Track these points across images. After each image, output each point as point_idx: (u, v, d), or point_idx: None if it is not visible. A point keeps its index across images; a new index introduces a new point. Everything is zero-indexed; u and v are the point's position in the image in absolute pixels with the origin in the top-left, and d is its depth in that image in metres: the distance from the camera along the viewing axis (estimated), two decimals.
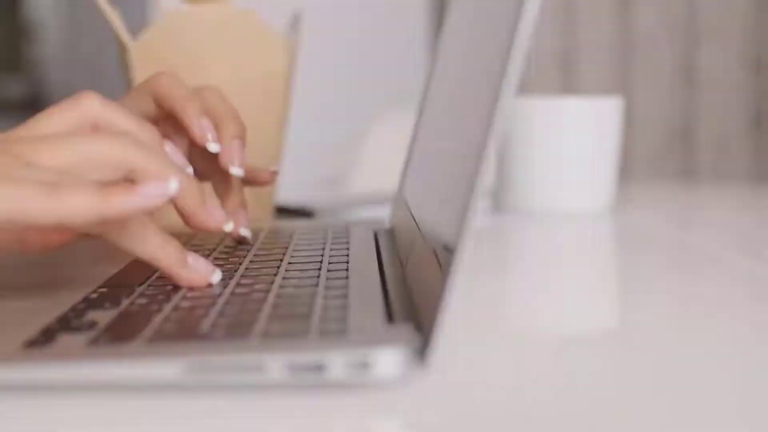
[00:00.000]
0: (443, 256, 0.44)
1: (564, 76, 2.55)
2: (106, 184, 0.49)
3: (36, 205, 0.47)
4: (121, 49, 0.88)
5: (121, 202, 0.48)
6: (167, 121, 0.69)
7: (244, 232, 0.68)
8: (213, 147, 0.65)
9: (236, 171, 0.66)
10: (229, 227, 0.59)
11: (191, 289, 0.53)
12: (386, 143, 1.76)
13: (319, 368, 0.40)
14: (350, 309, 0.47)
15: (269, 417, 0.38)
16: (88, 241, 0.78)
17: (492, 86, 0.43)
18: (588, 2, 2.55)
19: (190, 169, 0.63)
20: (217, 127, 0.67)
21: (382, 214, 0.97)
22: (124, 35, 0.86)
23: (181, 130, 0.69)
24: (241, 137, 0.67)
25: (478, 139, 0.43)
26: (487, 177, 0.39)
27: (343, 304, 0.48)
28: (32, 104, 4.19)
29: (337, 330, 0.43)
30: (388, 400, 0.39)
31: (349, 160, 1.78)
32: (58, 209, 0.47)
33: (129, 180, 0.53)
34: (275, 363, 0.40)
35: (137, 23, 2.51)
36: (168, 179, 0.50)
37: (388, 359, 0.40)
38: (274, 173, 0.70)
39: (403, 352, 0.40)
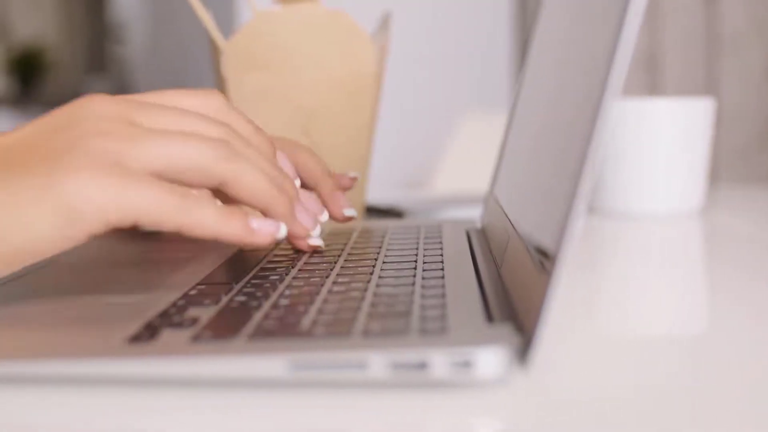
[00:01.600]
0: (543, 258, 0.44)
1: (649, 77, 2.53)
2: (226, 207, 0.51)
3: (167, 211, 0.49)
4: (213, 49, 0.89)
5: (236, 230, 0.51)
6: None
7: (349, 212, 0.70)
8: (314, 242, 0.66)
9: (350, 212, 0.70)
10: (318, 240, 0.60)
11: (290, 286, 0.54)
12: (471, 144, 1.76)
13: (421, 366, 0.40)
14: (449, 308, 0.47)
15: (371, 414, 0.38)
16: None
17: (594, 87, 0.43)
18: (673, 1, 2.52)
19: (297, 182, 0.63)
20: (316, 186, 0.70)
21: (471, 214, 0.97)
22: (217, 35, 0.87)
23: None
24: (336, 190, 0.70)
25: (580, 142, 0.43)
26: (590, 180, 0.39)
27: (442, 303, 0.48)
28: None
29: (437, 329, 0.43)
30: (489, 400, 0.39)
31: (434, 160, 1.78)
32: (184, 220, 0.49)
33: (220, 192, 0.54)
34: (378, 360, 0.40)
35: (224, 23, 2.53)
36: (279, 225, 0.53)
37: (491, 358, 0.40)
38: (354, 179, 0.72)
39: (505, 352, 0.40)
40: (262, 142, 0.56)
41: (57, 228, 0.48)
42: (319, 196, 0.71)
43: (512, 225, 0.57)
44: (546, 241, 0.44)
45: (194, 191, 0.54)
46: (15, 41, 5.22)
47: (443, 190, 1.52)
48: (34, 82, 5.13)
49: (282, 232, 0.53)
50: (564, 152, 0.46)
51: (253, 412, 0.39)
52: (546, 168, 0.51)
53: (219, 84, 0.89)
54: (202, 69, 2.85)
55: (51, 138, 0.49)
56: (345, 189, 0.72)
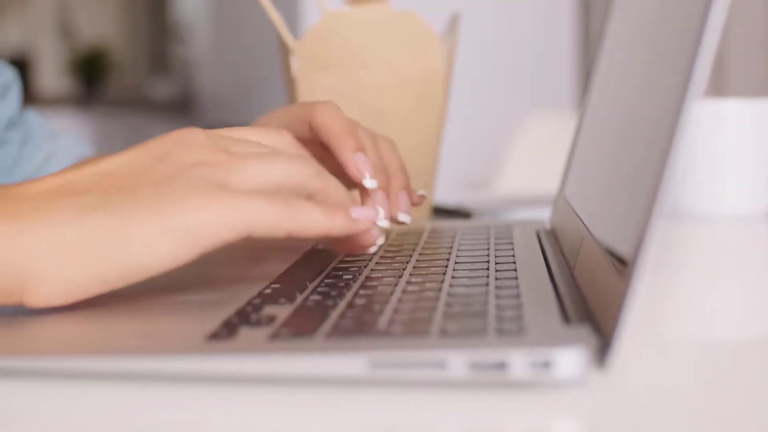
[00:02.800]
0: (621, 261, 0.44)
1: (714, 77, 2.51)
2: (326, 205, 0.54)
3: (276, 220, 0.51)
4: (283, 50, 0.90)
5: (341, 223, 0.53)
6: (317, 145, 0.70)
7: (403, 217, 0.68)
8: (369, 183, 0.65)
9: (404, 218, 0.68)
10: (380, 240, 0.59)
11: (364, 286, 0.54)
12: (534, 145, 1.75)
13: (500, 366, 0.40)
14: (524, 308, 0.47)
15: (449, 413, 0.38)
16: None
17: (674, 89, 0.43)
18: (739, 2, 2.49)
19: (382, 212, 0.62)
20: (387, 178, 0.68)
21: (538, 214, 0.97)
22: (287, 35, 0.87)
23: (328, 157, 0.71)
24: (407, 188, 0.69)
25: (660, 144, 0.43)
26: (671, 181, 0.39)
27: (517, 304, 0.48)
28: (181, 104, 4.29)
29: (514, 329, 0.43)
30: (568, 401, 0.39)
31: (496, 161, 1.78)
32: (293, 225, 0.51)
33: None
34: (457, 360, 0.40)
35: (289, 23, 2.54)
36: (377, 210, 0.56)
37: (570, 359, 0.40)
38: (422, 197, 0.71)
39: (585, 353, 0.40)
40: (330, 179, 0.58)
41: (171, 249, 0.50)
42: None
43: (586, 227, 0.57)
44: (624, 244, 0.44)
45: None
46: (79, 42, 5.29)
47: (507, 190, 1.52)
48: (97, 82, 5.18)
49: (381, 216, 0.56)
50: (642, 154, 0.46)
51: (331, 410, 0.39)
52: (622, 170, 0.50)
53: (288, 84, 0.90)
54: (265, 69, 2.87)
55: (155, 165, 0.52)
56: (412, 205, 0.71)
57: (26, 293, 0.49)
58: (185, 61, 4.63)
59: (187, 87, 4.49)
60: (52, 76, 5.26)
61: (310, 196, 0.55)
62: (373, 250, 0.60)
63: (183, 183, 0.51)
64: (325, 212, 0.53)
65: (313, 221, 0.52)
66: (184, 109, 4.22)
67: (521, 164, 1.69)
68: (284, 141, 0.59)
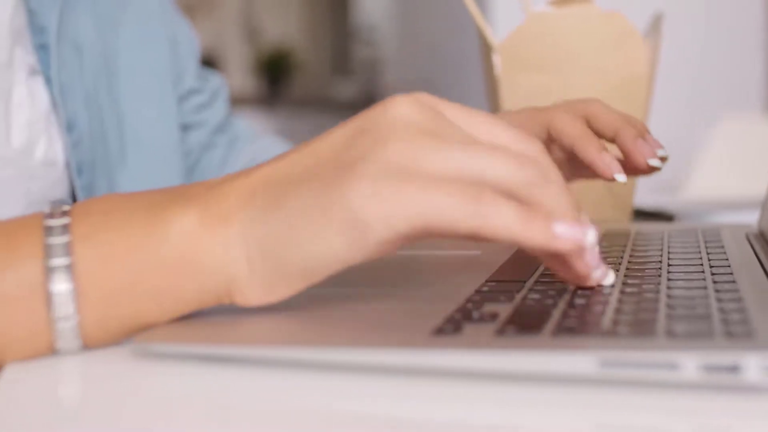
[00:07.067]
0: None
1: None
2: (527, 208, 0.46)
3: (461, 216, 0.45)
4: (485, 49, 0.90)
5: (536, 235, 0.46)
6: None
7: (654, 162, 0.70)
8: (621, 178, 0.68)
9: (656, 162, 0.69)
10: (609, 280, 0.52)
11: (580, 287, 0.54)
12: (727, 146, 1.72)
13: (733, 369, 0.39)
14: (749, 312, 0.46)
15: (679, 414, 0.38)
16: None
17: None
18: None
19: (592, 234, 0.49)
20: (617, 136, 0.69)
21: (738, 217, 0.95)
22: (490, 35, 0.88)
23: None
24: (642, 136, 0.69)
25: None
26: None
27: (741, 307, 0.47)
28: (364, 104, 4.35)
29: (743, 332, 0.42)
30: None
31: (689, 163, 1.75)
32: (480, 224, 0.45)
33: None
34: (690, 362, 0.40)
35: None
36: (586, 229, 0.47)
37: None
38: (663, 159, 0.71)
39: None
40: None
41: (345, 241, 0.47)
42: (619, 147, 0.70)
43: None
44: None
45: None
46: (264, 43, 5.40)
47: (701, 192, 1.50)
48: (282, 82, 5.29)
49: (589, 238, 0.47)
50: None
51: (561, 408, 0.39)
52: None
53: (490, 83, 0.91)
54: (450, 69, 2.88)
55: (350, 144, 0.48)
56: (643, 172, 0.71)
57: (235, 294, 0.50)
58: (368, 61, 4.68)
59: (369, 87, 4.54)
60: (239, 76, 5.39)
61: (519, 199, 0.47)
62: (594, 282, 0.52)
63: (365, 166, 0.46)
64: (519, 218, 0.45)
65: (504, 226, 0.45)
66: (365, 108, 4.27)
67: (714, 166, 1.66)
68: (532, 148, 0.49)
